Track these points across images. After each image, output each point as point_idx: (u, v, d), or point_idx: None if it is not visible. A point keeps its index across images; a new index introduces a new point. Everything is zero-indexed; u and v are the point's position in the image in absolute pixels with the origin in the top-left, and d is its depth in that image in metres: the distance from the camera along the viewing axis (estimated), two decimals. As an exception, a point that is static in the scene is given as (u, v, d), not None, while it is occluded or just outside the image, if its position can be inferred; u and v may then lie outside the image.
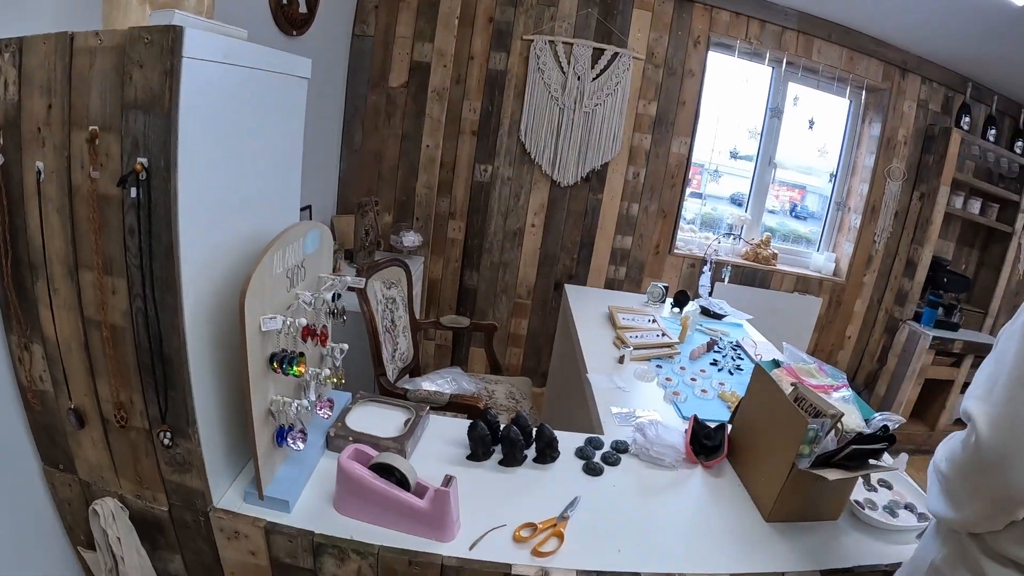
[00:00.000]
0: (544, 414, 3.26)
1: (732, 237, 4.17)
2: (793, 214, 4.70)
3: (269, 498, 1.33)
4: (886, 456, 1.95)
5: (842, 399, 2.04)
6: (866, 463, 1.53)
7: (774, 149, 4.10)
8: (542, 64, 3.45)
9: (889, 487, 1.84)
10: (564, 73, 3.48)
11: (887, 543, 1.58)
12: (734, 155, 4.00)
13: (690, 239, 4.07)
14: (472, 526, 1.34)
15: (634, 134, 3.63)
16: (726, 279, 3.72)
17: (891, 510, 1.69)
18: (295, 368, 1.30)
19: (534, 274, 3.73)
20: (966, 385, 4.57)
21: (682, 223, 4.01)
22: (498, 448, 1.63)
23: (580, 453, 1.69)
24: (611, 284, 3.81)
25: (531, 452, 1.64)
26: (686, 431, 1.82)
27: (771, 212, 4.57)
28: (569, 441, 1.73)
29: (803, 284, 4.29)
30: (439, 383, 2.61)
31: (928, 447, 4.65)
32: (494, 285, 3.73)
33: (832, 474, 1.44)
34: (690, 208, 4.22)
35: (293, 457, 1.45)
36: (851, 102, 4.28)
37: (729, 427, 1.86)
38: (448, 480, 1.30)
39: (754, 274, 4.11)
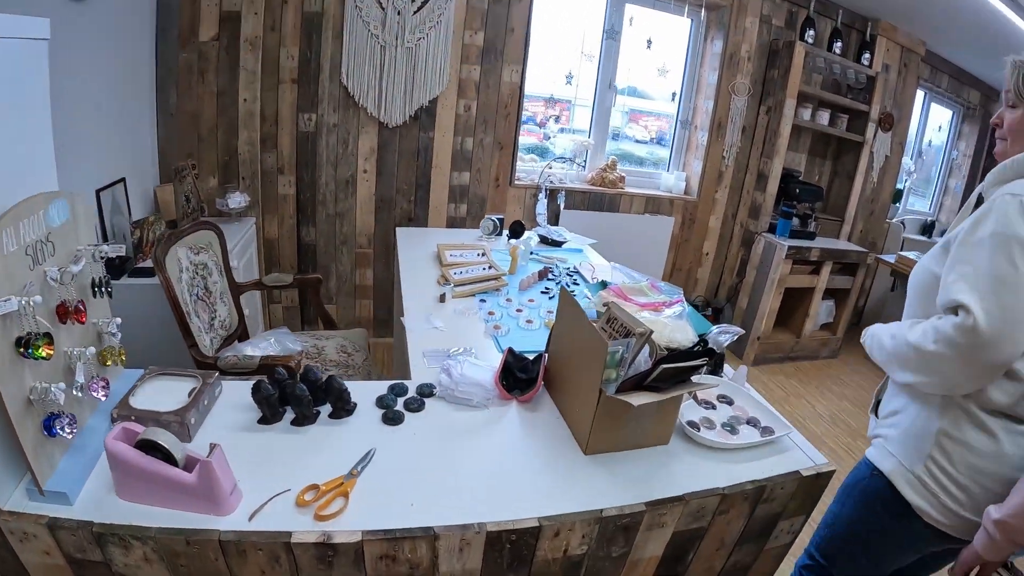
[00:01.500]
0: (394, 366, 3.21)
1: (576, 163, 4.14)
2: (659, 142, 4.70)
3: (49, 492, 1.23)
4: (727, 369, 1.99)
5: (674, 315, 2.01)
6: (687, 382, 1.47)
7: (613, 72, 4.06)
8: (359, 1, 3.32)
9: (730, 403, 1.79)
10: (383, 9, 3.35)
11: (724, 463, 1.51)
12: (569, 80, 3.93)
13: (532, 169, 4.04)
14: (258, 495, 1.24)
15: (462, 66, 3.54)
16: (561, 205, 3.70)
17: (731, 427, 1.65)
18: (39, 351, 1.19)
19: (372, 221, 3.65)
20: (828, 291, 4.75)
21: (521, 154, 3.97)
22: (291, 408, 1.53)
23: (380, 402, 1.57)
24: (453, 223, 3.77)
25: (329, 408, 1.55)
26: (499, 366, 1.71)
27: (640, 142, 4.61)
28: (372, 391, 1.62)
29: (654, 205, 4.35)
30: (262, 346, 2.51)
31: (796, 354, 4.81)
32: (333, 238, 3.63)
33: (638, 398, 1.34)
34: (559, 144, 4.21)
35: (78, 446, 1.34)
36: (692, 20, 4.26)
37: (547, 357, 1.75)
38: (212, 449, 1.22)
39: (601, 198, 4.13)
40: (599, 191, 4.08)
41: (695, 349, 1.53)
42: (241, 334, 2.71)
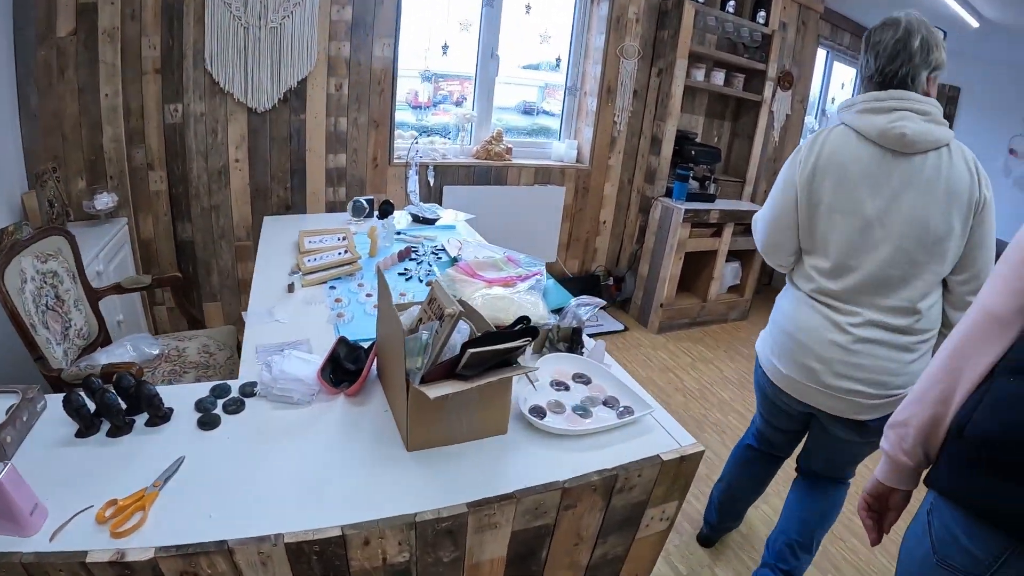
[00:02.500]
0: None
1: (460, 137, 4.09)
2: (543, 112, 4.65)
3: None
4: (591, 342, 1.86)
5: (528, 289, 1.96)
6: (509, 365, 1.36)
7: (495, 41, 3.97)
8: None
9: (587, 382, 1.67)
10: (245, -12, 3.21)
11: (571, 451, 1.40)
12: (445, 50, 3.83)
13: (415, 145, 3.91)
14: (64, 512, 1.15)
15: (330, 43, 3.42)
16: (431, 180, 3.62)
17: (584, 410, 1.53)
18: None
19: (249, 212, 3.53)
20: (733, 253, 4.78)
21: (399, 131, 3.87)
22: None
23: (199, 406, 1.46)
24: (333, 207, 3.67)
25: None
26: (325, 357, 1.59)
27: (550, 114, 4.53)
28: (193, 394, 1.50)
29: (544, 175, 4.31)
30: (118, 353, 2.41)
31: (703, 319, 4.85)
32: (211, 232, 3.50)
33: (437, 389, 1.23)
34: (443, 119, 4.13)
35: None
36: (578, -17, 4.21)
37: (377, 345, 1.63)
38: (4, 467, 1.13)
39: (488, 172, 4.07)
40: (485, 164, 4.02)
41: (515, 328, 1.41)
42: (104, 341, 2.59)
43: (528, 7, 3.91)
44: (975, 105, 6.18)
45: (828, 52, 6.04)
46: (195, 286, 3.55)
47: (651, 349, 4.34)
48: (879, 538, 1.26)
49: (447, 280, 1.94)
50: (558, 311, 1.91)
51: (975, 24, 4.58)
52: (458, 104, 4.16)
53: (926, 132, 1.58)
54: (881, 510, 1.25)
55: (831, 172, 1.69)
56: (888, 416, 1.20)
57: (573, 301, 1.91)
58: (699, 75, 4.48)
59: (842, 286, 1.73)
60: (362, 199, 3.07)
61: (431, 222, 3.09)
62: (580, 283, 4.69)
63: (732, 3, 4.46)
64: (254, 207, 3.50)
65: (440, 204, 3.77)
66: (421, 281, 2.32)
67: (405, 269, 2.46)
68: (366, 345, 1.64)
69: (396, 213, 3.12)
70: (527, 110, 4.44)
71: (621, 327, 4.55)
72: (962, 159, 1.60)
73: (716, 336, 4.79)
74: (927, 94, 1.65)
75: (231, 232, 3.50)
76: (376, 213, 3.07)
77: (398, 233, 2.88)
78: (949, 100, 6.31)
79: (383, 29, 3.50)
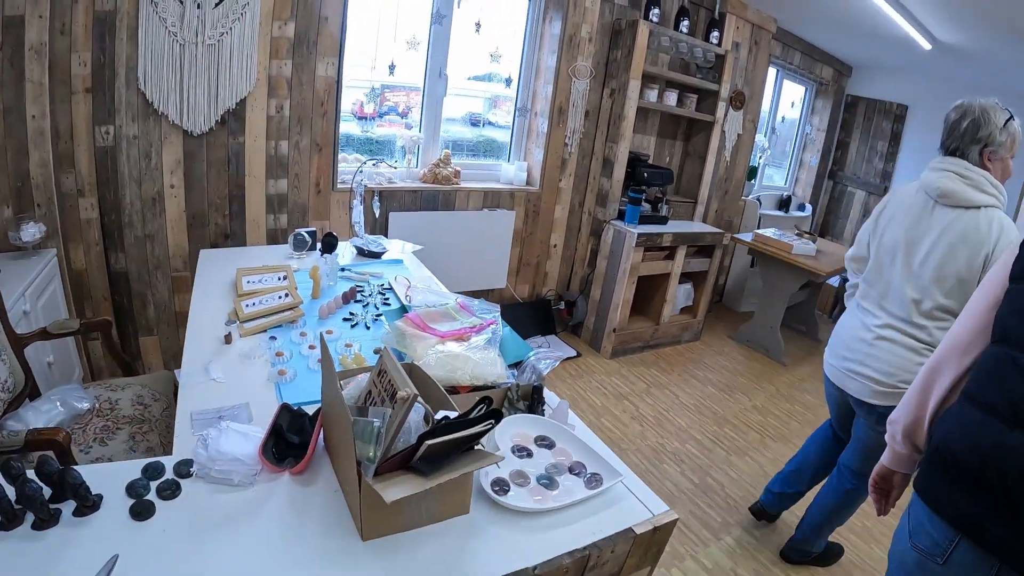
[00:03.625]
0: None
1: (407, 159, 4.01)
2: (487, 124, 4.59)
3: None
4: (554, 400, 1.82)
5: (484, 343, 1.87)
6: (469, 451, 1.28)
7: (443, 60, 3.91)
8: None
9: (551, 445, 1.60)
10: (181, 3, 3.07)
11: (539, 531, 1.33)
12: (392, 70, 3.76)
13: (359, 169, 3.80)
14: None
15: (271, 62, 3.31)
16: (376, 210, 3.52)
17: (549, 480, 1.47)
18: None
19: (186, 241, 3.38)
20: (684, 275, 4.80)
21: (344, 154, 3.78)
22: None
23: (131, 490, 1.31)
24: (274, 236, 3.55)
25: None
26: (267, 430, 1.47)
27: (503, 127, 4.51)
28: (124, 475, 1.35)
29: (493, 199, 4.26)
30: (45, 409, 2.25)
31: (656, 341, 4.86)
32: (145, 263, 3.33)
33: (394, 491, 1.15)
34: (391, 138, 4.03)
35: None
36: (531, 1, 4.16)
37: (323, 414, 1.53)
38: None
39: (435, 197, 4.00)
40: (432, 188, 3.95)
41: (477, 414, 1.31)
42: (32, 391, 2.42)
43: (478, 25, 3.86)
44: (923, 121, 6.35)
45: (778, 71, 6.14)
46: (131, 319, 3.38)
47: (605, 376, 4.33)
48: (886, 510, 1.66)
49: (397, 334, 1.85)
50: (517, 365, 1.86)
51: (928, 46, 4.69)
52: (404, 116, 4.07)
53: (960, 191, 2.05)
54: (887, 488, 1.62)
55: (892, 208, 2.29)
56: (893, 406, 1.57)
57: (532, 354, 1.86)
58: (652, 95, 4.50)
59: (873, 295, 2.32)
60: (304, 232, 2.96)
61: (377, 256, 3.00)
62: (531, 308, 4.67)
63: (686, 23, 4.48)
64: (191, 235, 3.36)
65: (386, 232, 3.70)
66: (368, 328, 2.23)
67: (351, 314, 2.34)
68: (311, 410, 1.55)
69: (341, 245, 3.02)
70: (474, 122, 4.37)
71: (574, 353, 4.53)
72: (988, 222, 2.02)
73: (670, 359, 4.82)
74: (983, 167, 2.07)
75: (167, 262, 3.35)
76: (319, 246, 2.95)
77: (342, 269, 2.77)
78: (896, 118, 6.48)
79: (327, 47, 3.40)
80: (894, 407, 1.56)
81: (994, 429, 1.19)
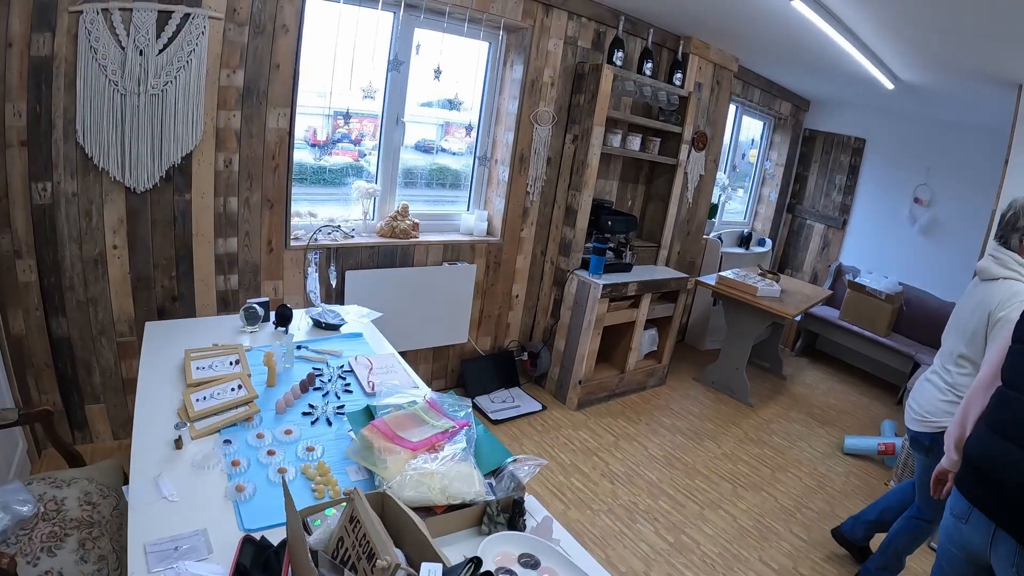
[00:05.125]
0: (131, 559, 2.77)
1: (364, 215, 3.93)
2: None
3: None
4: (540, 511, 1.75)
5: (461, 451, 1.78)
6: None
7: (401, 107, 3.87)
8: (95, 41, 2.89)
9: (535, 565, 1.54)
10: (123, 49, 2.95)
11: None
12: (345, 116, 3.69)
13: (312, 225, 3.72)
14: None
15: (219, 113, 3.21)
16: (333, 279, 3.44)
17: None
18: None
19: (131, 304, 3.25)
20: (649, 322, 4.80)
21: (296, 207, 3.68)
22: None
23: None
24: (225, 297, 3.44)
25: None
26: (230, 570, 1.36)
27: (458, 154, 4.41)
28: None
29: (453, 252, 4.22)
30: None
31: (622, 389, 4.86)
32: (89, 328, 3.19)
33: None
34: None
35: None
36: (490, 44, 4.13)
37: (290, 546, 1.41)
38: None
39: (393, 252, 3.93)
40: (390, 244, 3.87)
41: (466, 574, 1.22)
42: None
43: (438, 71, 3.80)
44: (880, 156, 6.56)
45: (738, 107, 6.24)
46: (76, 387, 3.23)
47: (572, 430, 4.30)
48: (943, 495, 2.32)
49: (364, 445, 1.77)
50: (495, 472, 1.80)
51: (891, 86, 4.80)
52: (357, 144, 3.97)
53: (989, 268, 2.56)
54: (943, 480, 2.31)
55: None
56: (924, 434, 2.74)
57: (510, 460, 1.81)
58: (615, 140, 4.51)
59: (937, 354, 2.90)
60: (256, 304, 2.83)
61: (336, 328, 2.91)
62: (493, 360, 4.63)
63: (650, 65, 4.50)
64: (136, 299, 3.23)
65: (343, 292, 3.61)
66: (330, 424, 2.10)
67: (311, 406, 2.18)
68: (277, 536, 1.47)
69: (296, 314, 2.91)
70: (426, 148, 4.30)
71: (539, 407, 4.49)
72: (1002, 290, 2.47)
73: (636, 407, 4.82)
74: (1019, 252, 2.49)
75: (111, 327, 3.21)
76: (273, 319, 2.84)
77: (299, 347, 2.64)
78: (855, 151, 6.64)
79: (279, 97, 3.31)
80: (925, 433, 2.73)
81: (996, 443, 1.92)
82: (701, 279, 5.30)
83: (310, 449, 1.93)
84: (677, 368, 5.61)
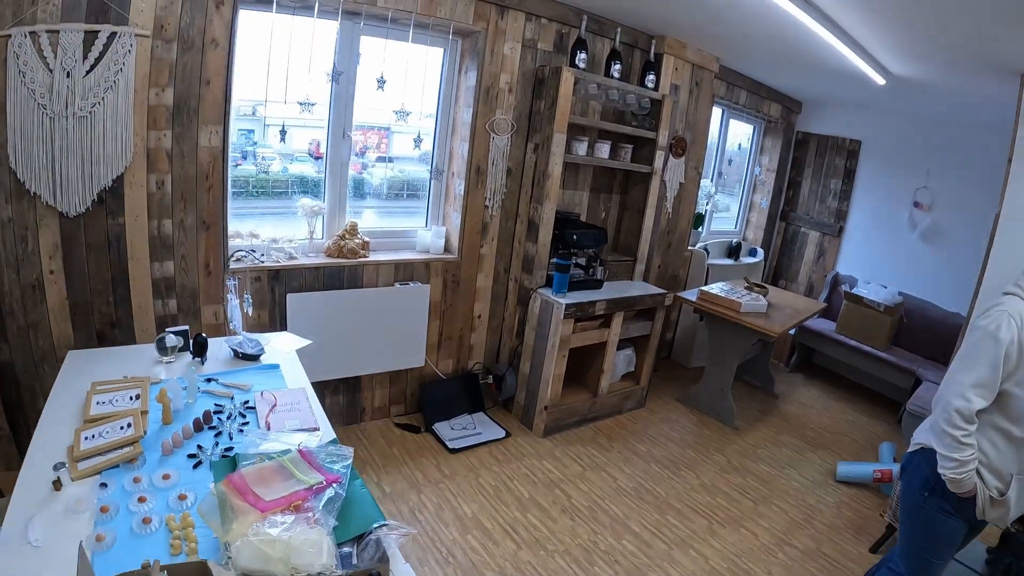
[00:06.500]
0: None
1: (310, 233, 3.88)
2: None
3: None
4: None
5: (319, 512, 1.66)
6: None
7: (348, 120, 3.84)
8: (23, 65, 2.89)
9: None
10: (50, 71, 2.95)
11: None
12: (284, 130, 3.63)
13: (255, 246, 3.70)
14: None
15: (149, 133, 3.18)
16: (249, 308, 3.40)
17: None
18: None
19: (71, 330, 3.24)
20: (625, 342, 4.75)
21: (238, 227, 3.68)
22: None
23: None
24: (164, 323, 3.40)
25: None
26: None
27: (411, 159, 4.35)
28: None
29: (406, 272, 4.17)
30: None
31: (595, 414, 4.80)
32: (31, 354, 3.18)
33: None
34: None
35: None
36: (445, 51, 4.11)
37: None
38: None
39: (340, 273, 3.88)
40: (336, 264, 3.83)
41: None
42: None
43: (382, 80, 3.74)
44: (877, 158, 6.45)
45: (724, 110, 6.19)
46: (22, 413, 3.24)
47: (536, 459, 4.21)
48: None
49: (220, 500, 1.68)
50: (361, 537, 1.68)
51: (881, 81, 4.72)
52: (311, 155, 3.95)
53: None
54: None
55: None
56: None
57: (377, 525, 1.70)
58: (581, 149, 4.44)
59: None
60: (172, 333, 2.79)
61: (255, 358, 2.86)
62: (456, 384, 4.57)
63: (618, 66, 4.44)
64: (76, 324, 3.22)
65: (285, 317, 3.59)
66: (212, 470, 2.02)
67: (199, 447, 2.10)
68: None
69: (213, 345, 2.87)
70: (380, 158, 4.23)
71: (502, 434, 4.40)
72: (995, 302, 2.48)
73: (610, 433, 4.74)
74: None
75: (52, 353, 3.20)
76: (191, 348, 2.82)
77: (208, 380, 2.58)
78: (850, 154, 6.57)
79: (210, 114, 3.29)
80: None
81: None
82: (682, 294, 5.22)
83: (182, 497, 1.84)
84: (660, 388, 5.53)
